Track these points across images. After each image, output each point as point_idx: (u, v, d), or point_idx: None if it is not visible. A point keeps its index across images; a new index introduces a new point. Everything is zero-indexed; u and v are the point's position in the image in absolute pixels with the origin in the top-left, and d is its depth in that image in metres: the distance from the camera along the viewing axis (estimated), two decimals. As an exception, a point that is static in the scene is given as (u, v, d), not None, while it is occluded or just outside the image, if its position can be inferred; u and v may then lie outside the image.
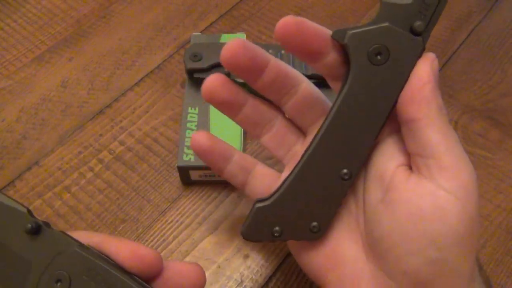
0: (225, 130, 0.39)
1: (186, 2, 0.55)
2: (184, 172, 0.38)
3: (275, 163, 0.40)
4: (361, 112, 0.25)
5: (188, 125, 0.40)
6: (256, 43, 0.27)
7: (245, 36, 0.46)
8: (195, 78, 0.42)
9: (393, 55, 0.24)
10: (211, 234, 0.37)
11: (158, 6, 0.55)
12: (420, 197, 0.23)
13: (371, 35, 0.24)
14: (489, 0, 0.55)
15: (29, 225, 0.23)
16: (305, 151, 0.26)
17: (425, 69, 0.24)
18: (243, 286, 0.35)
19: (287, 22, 0.24)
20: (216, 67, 0.41)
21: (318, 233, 0.26)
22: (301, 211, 0.26)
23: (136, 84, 0.47)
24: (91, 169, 0.41)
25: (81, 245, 0.23)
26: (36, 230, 0.23)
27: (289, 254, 0.36)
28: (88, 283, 0.22)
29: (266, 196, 0.27)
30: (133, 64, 0.49)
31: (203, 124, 0.40)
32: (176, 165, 0.38)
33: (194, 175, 0.39)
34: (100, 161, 0.42)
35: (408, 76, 0.24)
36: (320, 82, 0.42)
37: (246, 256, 0.36)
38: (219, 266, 0.36)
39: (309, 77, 0.41)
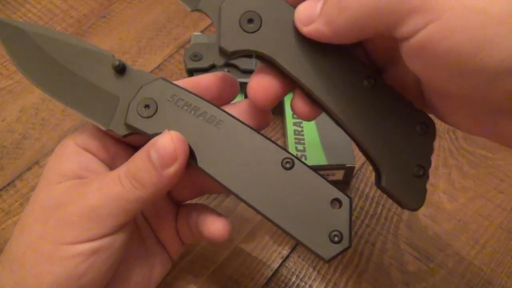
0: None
1: (186, 2, 0.55)
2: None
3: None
4: None
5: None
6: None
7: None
8: (195, 78, 0.42)
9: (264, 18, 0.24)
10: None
11: (158, 6, 0.55)
12: None
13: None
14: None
15: (117, 62, 0.25)
16: None
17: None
18: (244, 285, 0.35)
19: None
20: (216, 66, 0.41)
21: None
22: None
23: (136, 84, 0.47)
24: (91, 169, 0.41)
25: (163, 78, 0.25)
26: (123, 68, 0.25)
27: (289, 255, 0.36)
28: (173, 107, 0.24)
29: None
30: (134, 64, 0.49)
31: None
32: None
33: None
34: (100, 161, 0.41)
35: None
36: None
37: (247, 256, 0.36)
38: (219, 266, 0.36)
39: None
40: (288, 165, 0.24)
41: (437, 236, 0.37)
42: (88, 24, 0.52)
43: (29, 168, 0.41)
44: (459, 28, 0.17)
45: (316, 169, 0.37)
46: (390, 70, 0.25)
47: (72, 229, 0.23)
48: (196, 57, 0.41)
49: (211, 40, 0.45)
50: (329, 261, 0.24)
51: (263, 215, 0.24)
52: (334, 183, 0.40)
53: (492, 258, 0.36)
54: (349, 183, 0.40)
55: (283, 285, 0.35)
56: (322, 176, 0.24)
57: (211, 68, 0.41)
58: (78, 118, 0.44)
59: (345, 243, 0.23)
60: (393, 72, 0.25)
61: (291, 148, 0.38)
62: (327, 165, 0.37)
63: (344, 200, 0.24)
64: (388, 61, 0.25)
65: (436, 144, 0.25)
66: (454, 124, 0.24)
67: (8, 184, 0.40)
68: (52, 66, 0.26)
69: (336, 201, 0.24)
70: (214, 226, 0.27)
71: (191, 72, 0.41)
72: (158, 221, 0.30)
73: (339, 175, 0.39)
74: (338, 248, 0.23)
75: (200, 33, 0.50)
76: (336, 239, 0.23)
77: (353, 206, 0.39)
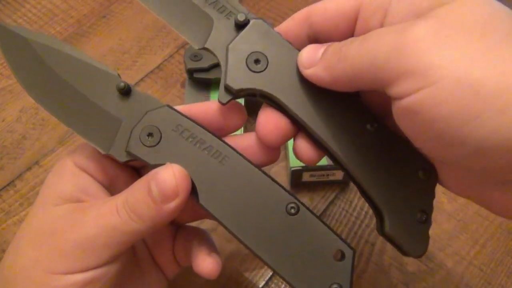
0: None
1: (186, 2, 0.55)
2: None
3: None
4: None
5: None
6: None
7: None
8: (195, 78, 0.42)
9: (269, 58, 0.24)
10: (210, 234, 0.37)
11: (158, 6, 0.54)
12: None
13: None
14: None
15: (122, 84, 0.24)
16: None
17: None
18: (243, 286, 0.35)
19: None
20: (216, 66, 0.41)
21: None
22: None
23: (136, 84, 0.47)
24: (91, 169, 0.41)
25: (169, 105, 0.24)
26: (128, 90, 0.24)
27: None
28: (177, 138, 0.23)
29: None
30: (134, 64, 0.49)
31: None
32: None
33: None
34: (100, 161, 0.41)
35: None
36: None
37: (246, 257, 0.36)
38: (219, 266, 0.36)
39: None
40: (293, 211, 0.23)
41: (437, 236, 0.37)
42: (88, 24, 0.52)
43: (29, 168, 0.41)
44: (448, 98, 0.17)
45: (316, 169, 0.38)
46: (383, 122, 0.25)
47: (66, 258, 0.22)
48: (196, 57, 0.41)
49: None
50: None
51: (261, 260, 0.23)
52: (334, 183, 0.40)
53: (492, 258, 0.36)
54: (349, 183, 0.40)
55: (283, 285, 0.35)
56: (327, 225, 0.24)
57: (211, 68, 0.41)
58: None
59: None
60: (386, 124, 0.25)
61: (291, 149, 0.38)
62: (327, 165, 0.37)
63: (348, 252, 0.23)
64: (383, 114, 0.25)
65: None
66: (443, 185, 0.24)
67: (8, 184, 0.40)
68: (53, 80, 0.25)
69: (339, 252, 0.23)
70: (204, 264, 0.27)
71: (191, 72, 0.41)
72: (156, 242, 0.29)
73: (339, 175, 0.39)
74: None
75: (200, 33, 0.50)
76: None
77: (353, 206, 0.39)
